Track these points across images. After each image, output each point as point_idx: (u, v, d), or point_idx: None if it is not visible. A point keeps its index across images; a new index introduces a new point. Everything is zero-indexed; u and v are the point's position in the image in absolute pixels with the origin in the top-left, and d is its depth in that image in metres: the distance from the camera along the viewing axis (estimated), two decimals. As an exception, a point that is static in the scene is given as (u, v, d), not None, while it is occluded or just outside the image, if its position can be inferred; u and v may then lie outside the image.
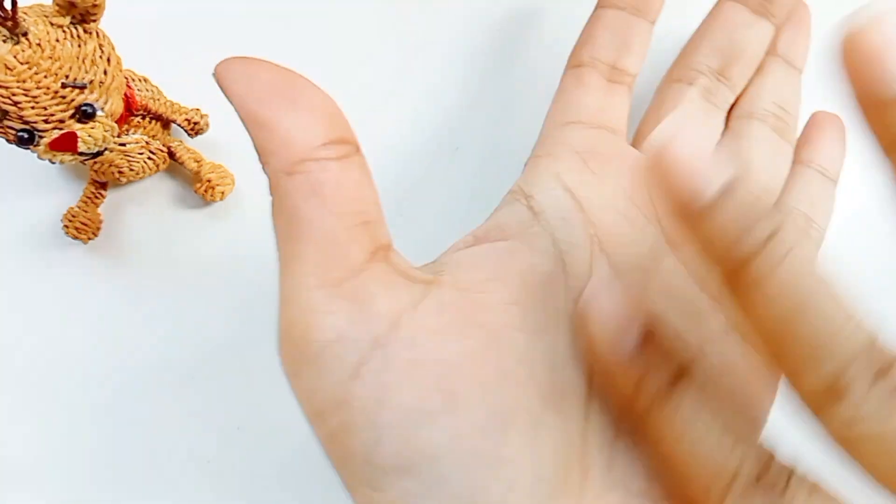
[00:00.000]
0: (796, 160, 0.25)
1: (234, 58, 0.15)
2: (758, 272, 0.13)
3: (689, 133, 0.13)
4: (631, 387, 0.16)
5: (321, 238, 0.14)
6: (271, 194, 0.15)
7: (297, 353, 0.15)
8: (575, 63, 0.23)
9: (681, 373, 0.15)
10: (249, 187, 0.26)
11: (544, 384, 0.16)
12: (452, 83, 0.28)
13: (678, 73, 0.24)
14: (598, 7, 0.23)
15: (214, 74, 0.15)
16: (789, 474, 0.14)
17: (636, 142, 0.23)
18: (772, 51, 0.25)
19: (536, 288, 0.17)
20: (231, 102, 0.14)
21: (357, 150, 0.15)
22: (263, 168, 0.15)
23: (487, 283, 0.16)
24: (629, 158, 0.21)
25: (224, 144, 0.27)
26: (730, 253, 0.13)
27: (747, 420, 0.16)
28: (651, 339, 0.16)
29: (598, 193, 0.19)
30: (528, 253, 0.17)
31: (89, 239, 0.25)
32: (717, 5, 0.24)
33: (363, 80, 0.27)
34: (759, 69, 0.24)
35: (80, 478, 0.24)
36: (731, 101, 0.24)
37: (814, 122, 0.26)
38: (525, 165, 0.21)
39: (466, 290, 0.16)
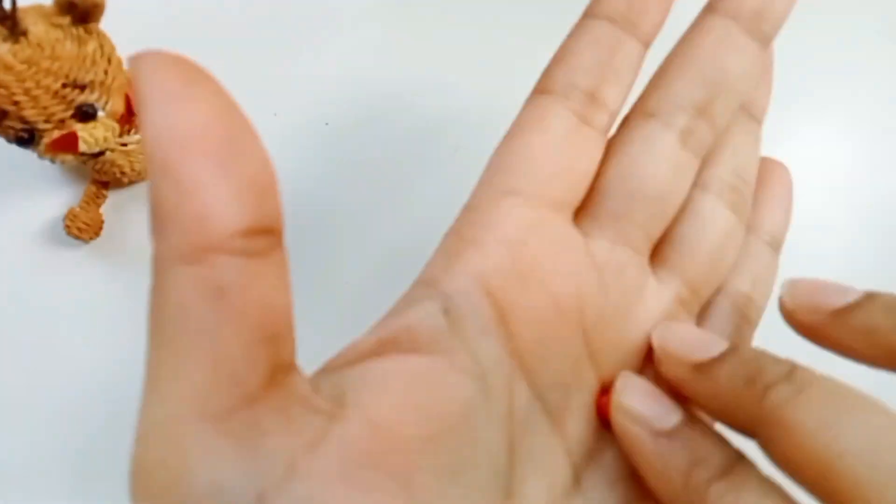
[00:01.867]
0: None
1: (168, 64, 0.11)
2: (783, 399, 0.13)
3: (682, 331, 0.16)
4: (679, 475, 0.15)
5: (213, 354, 0.11)
6: (153, 275, 0.11)
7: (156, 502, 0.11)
8: (544, 87, 0.18)
9: (734, 461, 0.15)
10: (250, 187, 0.26)
11: None
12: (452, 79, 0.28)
13: (654, 104, 0.19)
14: (583, 17, 0.19)
15: (129, 67, 0.11)
16: None
17: (591, 182, 0.19)
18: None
19: (455, 418, 0.14)
20: (144, 122, 0.11)
21: (279, 242, 0.12)
22: (151, 235, 0.11)
23: (399, 415, 0.14)
24: (564, 251, 0.18)
25: (225, 145, 0.27)
26: (751, 392, 0.14)
27: None
28: (692, 423, 0.15)
29: (524, 301, 0.17)
30: (445, 374, 0.15)
31: (91, 239, 0.25)
32: (700, 19, 0.20)
33: (363, 78, 0.28)
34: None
35: (81, 478, 0.24)
36: (710, 142, 0.20)
37: (761, 178, 0.22)
38: (446, 238, 0.18)
39: (374, 426, 0.13)
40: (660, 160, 0.19)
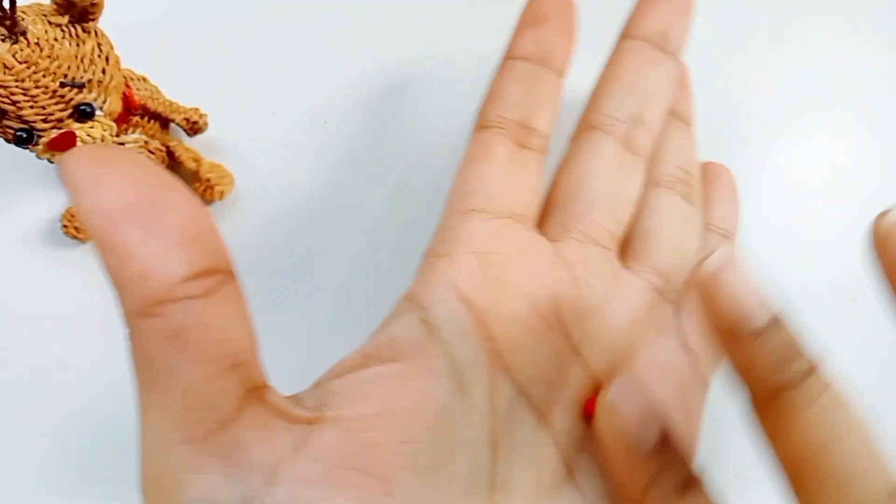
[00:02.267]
0: None
1: (85, 155, 0.12)
2: (793, 403, 0.13)
3: (744, 265, 0.14)
4: (640, 487, 0.15)
5: (184, 388, 0.12)
6: (126, 329, 0.13)
7: None
8: (482, 123, 0.21)
9: (691, 482, 0.15)
10: (249, 186, 0.26)
11: None
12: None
13: (594, 119, 0.22)
14: (504, 59, 0.22)
15: (60, 174, 0.12)
16: None
17: (551, 195, 0.21)
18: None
19: (430, 418, 0.15)
20: (77, 209, 0.12)
21: (229, 276, 0.13)
22: (116, 299, 0.12)
23: (376, 419, 0.15)
24: (533, 254, 0.19)
25: (223, 143, 0.26)
26: (768, 380, 0.14)
27: None
28: (667, 441, 0.16)
29: (499, 303, 0.18)
30: (422, 378, 0.16)
31: (88, 239, 0.25)
32: (618, 45, 0.23)
33: (363, 78, 0.27)
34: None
35: (79, 477, 0.24)
36: (649, 145, 0.22)
37: (706, 179, 0.24)
38: (423, 259, 0.19)
39: (352, 430, 0.14)
40: (609, 161, 0.21)
